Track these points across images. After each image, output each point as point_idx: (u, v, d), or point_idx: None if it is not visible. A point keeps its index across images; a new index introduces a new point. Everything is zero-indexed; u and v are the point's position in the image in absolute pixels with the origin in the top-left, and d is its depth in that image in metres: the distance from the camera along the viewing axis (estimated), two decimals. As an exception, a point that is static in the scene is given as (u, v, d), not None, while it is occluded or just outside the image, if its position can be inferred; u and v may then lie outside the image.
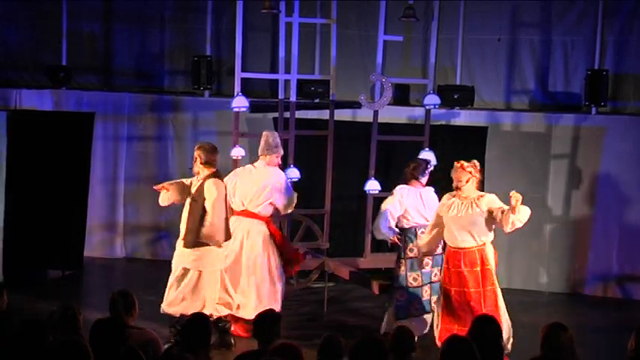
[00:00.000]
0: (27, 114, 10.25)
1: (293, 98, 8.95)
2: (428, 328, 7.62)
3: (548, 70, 10.22)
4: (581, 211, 9.92)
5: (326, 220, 9.04)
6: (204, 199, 7.20)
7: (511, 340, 7.11)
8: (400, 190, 7.67)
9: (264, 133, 7.99)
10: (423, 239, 7.40)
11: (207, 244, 7.21)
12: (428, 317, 7.62)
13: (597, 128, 9.87)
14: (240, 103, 8.64)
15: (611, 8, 9.97)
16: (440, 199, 7.47)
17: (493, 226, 7.08)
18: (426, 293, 7.56)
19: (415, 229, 7.62)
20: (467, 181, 7.15)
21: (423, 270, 7.55)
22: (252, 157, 10.10)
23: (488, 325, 4.96)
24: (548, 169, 9.98)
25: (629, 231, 9.75)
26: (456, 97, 10.04)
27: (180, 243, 7.39)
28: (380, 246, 9.41)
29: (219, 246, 7.27)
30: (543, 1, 10.16)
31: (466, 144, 9.77)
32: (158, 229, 10.91)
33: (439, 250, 7.57)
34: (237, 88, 8.67)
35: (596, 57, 9.99)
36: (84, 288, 9.98)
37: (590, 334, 8.11)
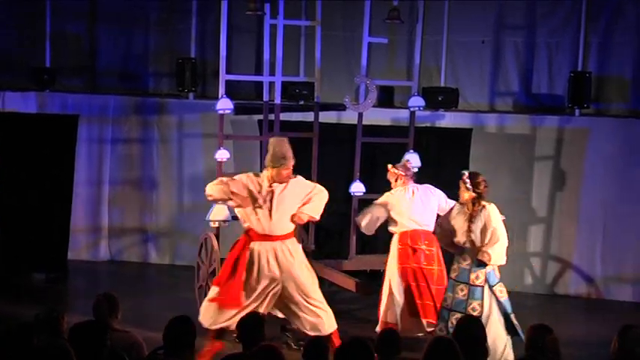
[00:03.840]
0: (10, 117, 10.20)
1: (278, 100, 8.95)
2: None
3: (532, 72, 10.26)
4: (565, 213, 9.97)
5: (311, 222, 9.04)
6: None
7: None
8: None
9: (270, 140, 7.34)
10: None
11: None
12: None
13: (581, 130, 9.92)
14: (224, 105, 8.62)
15: (595, 11, 10.03)
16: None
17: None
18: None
19: None
20: (395, 181, 7.87)
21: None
22: (236, 160, 10.12)
23: (472, 325, 4.97)
24: (533, 170, 10.02)
25: (613, 232, 9.80)
26: (440, 99, 10.06)
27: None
28: (365, 248, 9.43)
29: None
30: (527, 4, 10.20)
31: (451, 146, 9.81)
32: (143, 231, 10.89)
33: (478, 281, 7.11)
34: (222, 90, 8.65)
35: (579, 59, 10.04)
36: (68, 291, 9.94)
37: (574, 336, 8.13)
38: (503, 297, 7.04)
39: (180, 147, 10.78)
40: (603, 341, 5.36)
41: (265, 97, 9.09)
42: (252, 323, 5.05)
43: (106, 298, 5.35)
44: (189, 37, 10.83)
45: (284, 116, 9.14)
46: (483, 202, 7.06)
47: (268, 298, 7.10)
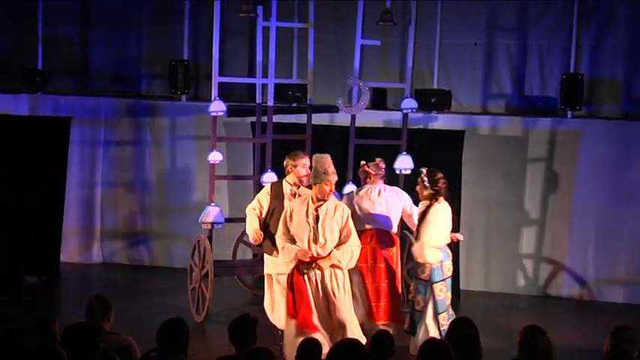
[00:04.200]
0: (2, 119, 10.17)
1: (271, 102, 8.95)
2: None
3: (525, 74, 10.28)
4: (558, 214, 9.98)
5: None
6: None
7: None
8: None
9: (313, 157, 7.23)
10: None
11: None
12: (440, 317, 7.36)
13: (573, 132, 9.94)
14: (217, 107, 8.62)
15: (586, 13, 10.05)
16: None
17: None
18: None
19: None
20: (364, 179, 7.88)
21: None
22: (229, 162, 10.11)
23: (465, 326, 4.97)
24: (525, 172, 10.03)
25: (605, 234, 9.82)
26: (433, 101, 10.07)
27: None
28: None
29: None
30: (519, 6, 10.22)
31: (443, 148, 9.81)
32: (135, 234, 10.87)
33: (423, 275, 7.36)
34: (215, 92, 8.66)
35: (571, 61, 10.06)
36: (61, 294, 9.92)
37: (567, 337, 8.15)
38: (440, 296, 7.22)
39: (173, 149, 10.77)
40: (596, 342, 5.37)
41: (258, 99, 9.10)
42: (244, 325, 5.04)
43: (98, 300, 5.33)
44: (181, 40, 10.83)
45: (277, 118, 9.14)
46: (440, 200, 7.23)
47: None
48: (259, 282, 9.58)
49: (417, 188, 7.38)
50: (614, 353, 4.69)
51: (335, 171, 6.98)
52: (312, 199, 6.97)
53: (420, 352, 4.58)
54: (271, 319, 7.67)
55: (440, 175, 7.30)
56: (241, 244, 9.72)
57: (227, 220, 8.93)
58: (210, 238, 8.59)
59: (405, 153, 8.97)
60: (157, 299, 9.27)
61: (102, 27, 11.06)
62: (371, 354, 4.82)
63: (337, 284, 6.95)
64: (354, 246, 6.99)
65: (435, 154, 9.80)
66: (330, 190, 7.00)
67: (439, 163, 9.76)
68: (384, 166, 7.97)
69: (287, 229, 6.99)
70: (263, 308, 8.01)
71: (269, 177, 8.74)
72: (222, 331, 5.15)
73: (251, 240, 7.92)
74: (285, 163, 7.78)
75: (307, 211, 6.93)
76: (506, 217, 10.04)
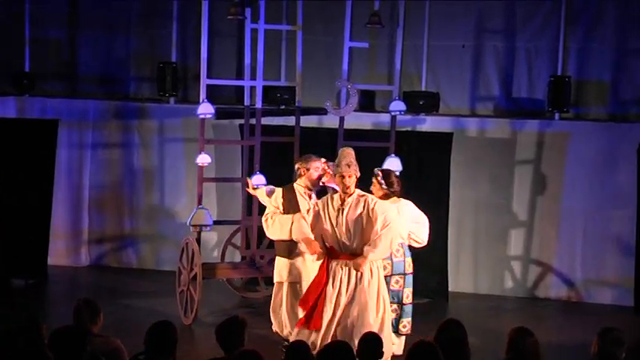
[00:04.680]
0: (-11, 121, 10.14)
1: (259, 105, 8.94)
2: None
3: (512, 77, 10.31)
4: (546, 216, 10.01)
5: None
6: None
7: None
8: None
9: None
10: None
11: None
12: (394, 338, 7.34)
13: (561, 134, 9.97)
14: (205, 109, 8.61)
15: (574, 16, 10.09)
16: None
17: None
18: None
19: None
20: (318, 177, 7.70)
21: (391, 288, 7.41)
22: (218, 164, 10.10)
23: (454, 328, 4.97)
24: (513, 174, 10.06)
25: (593, 235, 9.85)
26: (421, 103, 10.09)
27: None
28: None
29: None
30: (507, 8, 10.25)
31: (431, 150, 9.83)
32: (123, 236, 10.84)
33: (409, 270, 7.49)
34: (203, 94, 8.65)
35: (559, 63, 10.09)
36: (48, 297, 9.88)
37: (555, 339, 8.17)
38: (395, 287, 7.37)
39: (162, 152, 10.75)
40: (583, 344, 5.39)
41: (246, 102, 9.09)
42: (232, 327, 5.04)
43: (86, 303, 5.32)
44: (170, 42, 10.81)
45: (265, 120, 9.14)
46: (397, 199, 7.36)
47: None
48: (248, 284, 9.57)
49: (372, 188, 7.46)
50: (601, 354, 4.71)
51: (350, 163, 6.80)
52: (339, 194, 6.89)
53: (408, 353, 4.59)
54: (275, 326, 7.66)
55: (394, 175, 7.47)
56: (230, 247, 9.71)
57: (215, 222, 8.92)
58: (198, 241, 8.58)
59: (393, 155, 8.98)
60: (145, 302, 9.25)
61: (90, 29, 11.03)
62: (360, 357, 4.82)
63: (361, 286, 6.73)
64: (384, 235, 6.70)
65: (423, 156, 9.82)
66: (346, 185, 6.77)
67: (427, 165, 9.84)
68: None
69: (315, 224, 6.88)
70: (252, 310, 8.01)
71: (257, 179, 8.73)
72: (211, 333, 5.14)
73: (311, 252, 7.19)
74: (296, 166, 7.76)
75: (332, 204, 6.84)
76: (495, 219, 10.06)
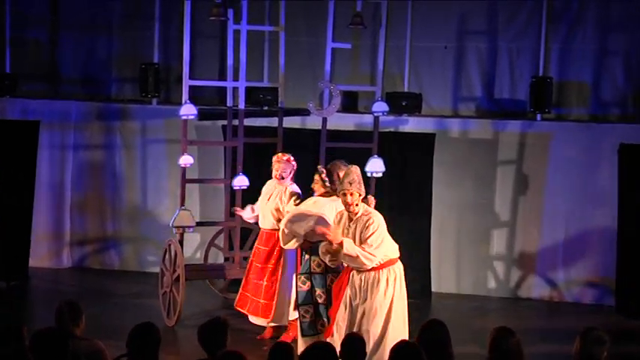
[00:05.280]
0: (-30, 123, 10.08)
1: (242, 106, 8.94)
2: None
3: (495, 77, 10.34)
4: (528, 216, 10.05)
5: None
6: None
7: None
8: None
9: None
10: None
11: None
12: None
13: (543, 134, 10.02)
14: (188, 110, 8.59)
15: (555, 16, 10.14)
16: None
17: None
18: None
19: None
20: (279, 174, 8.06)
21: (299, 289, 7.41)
22: (200, 165, 10.08)
23: (437, 329, 4.98)
24: (496, 175, 10.10)
25: (575, 235, 9.90)
26: (404, 104, 10.11)
27: None
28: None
29: None
30: (489, 9, 10.28)
31: (414, 151, 9.85)
32: (106, 238, 10.80)
33: (317, 269, 7.39)
34: (185, 95, 8.63)
35: (540, 64, 10.14)
36: (30, 299, 9.82)
37: (537, 338, 8.21)
38: (303, 287, 7.40)
39: (144, 153, 10.71)
40: (566, 343, 5.41)
41: (229, 103, 9.08)
42: (214, 328, 5.02)
43: (68, 305, 5.28)
44: (152, 43, 10.78)
45: (248, 122, 9.13)
46: (336, 198, 7.25)
47: None
48: (231, 286, 9.56)
49: (313, 185, 7.53)
50: (583, 354, 4.73)
51: (353, 181, 6.58)
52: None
53: (391, 354, 4.59)
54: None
55: (338, 174, 7.39)
56: (213, 248, 9.70)
57: (198, 223, 8.90)
58: (181, 242, 8.56)
59: (376, 156, 8.99)
60: (128, 304, 9.22)
61: (71, 30, 10.97)
62: (343, 358, 4.82)
63: (371, 294, 6.61)
64: (364, 250, 6.53)
65: (406, 157, 9.84)
66: (348, 203, 6.59)
67: (410, 166, 9.86)
68: (294, 165, 8.14)
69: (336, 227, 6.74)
70: (235, 312, 8.00)
71: (240, 180, 8.73)
72: (194, 335, 5.12)
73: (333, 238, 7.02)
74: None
75: (347, 217, 6.69)
76: (477, 220, 10.09)
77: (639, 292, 8.36)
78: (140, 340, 4.81)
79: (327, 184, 7.48)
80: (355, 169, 6.72)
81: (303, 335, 7.30)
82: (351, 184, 6.58)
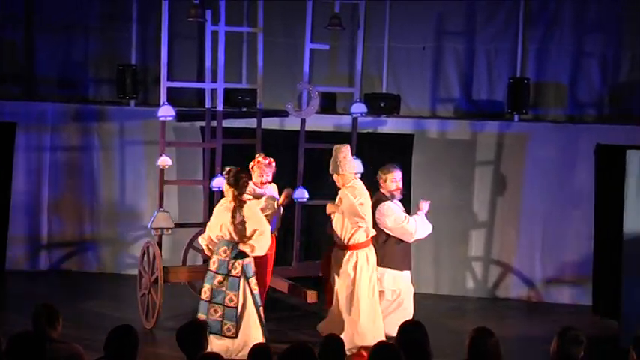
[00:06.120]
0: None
1: (220, 107, 8.92)
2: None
3: (472, 78, 10.39)
4: (506, 217, 10.10)
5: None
6: None
7: None
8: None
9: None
10: None
11: None
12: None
13: (520, 135, 10.07)
14: (166, 112, 8.57)
15: (532, 18, 10.20)
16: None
17: None
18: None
19: None
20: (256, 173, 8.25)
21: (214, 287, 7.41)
22: (179, 167, 10.05)
23: (415, 329, 4.99)
24: (473, 175, 10.14)
25: (552, 235, 9.96)
26: (382, 105, 10.12)
27: None
28: (308, 255, 9.44)
29: None
30: (467, 10, 10.33)
31: (393, 152, 9.87)
32: (83, 240, 10.73)
33: (234, 272, 7.35)
34: (163, 97, 8.60)
35: (517, 65, 10.19)
36: (6, 302, 9.75)
37: (515, 338, 8.25)
38: (256, 290, 7.42)
39: (122, 154, 10.66)
40: (543, 343, 5.44)
41: (207, 104, 9.06)
42: (192, 331, 5.01)
43: (45, 308, 5.25)
44: (129, 44, 10.73)
45: (226, 123, 9.11)
46: (245, 198, 7.47)
47: None
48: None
49: (224, 189, 7.59)
50: (560, 353, 4.76)
51: (339, 164, 7.64)
52: None
53: (370, 354, 4.60)
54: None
55: (243, 175, 7.52)
56: (191, 250, 9.66)
57: (177, 225, 8.88)
58: (159, 244, 8.53)
59: (354, 157, 8.99)
60: (106, 306, 9.17)
61: (48, 31, 10.89)
62: (320, 357, 4.82)
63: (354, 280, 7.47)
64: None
65: (384, 158, 9.84)
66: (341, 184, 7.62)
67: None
68: (274, 167, 8.28)
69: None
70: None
71: (219, 182, 8.71)
72: (173, 337, 5.11)
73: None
74: (377, 176, 7.96)
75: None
76: (455, 220, 10.13)
77: (615, 292, 8.40)
78: (118, 343, 4.79)
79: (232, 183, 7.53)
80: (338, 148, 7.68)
81: (210, 332, 7.08)
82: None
